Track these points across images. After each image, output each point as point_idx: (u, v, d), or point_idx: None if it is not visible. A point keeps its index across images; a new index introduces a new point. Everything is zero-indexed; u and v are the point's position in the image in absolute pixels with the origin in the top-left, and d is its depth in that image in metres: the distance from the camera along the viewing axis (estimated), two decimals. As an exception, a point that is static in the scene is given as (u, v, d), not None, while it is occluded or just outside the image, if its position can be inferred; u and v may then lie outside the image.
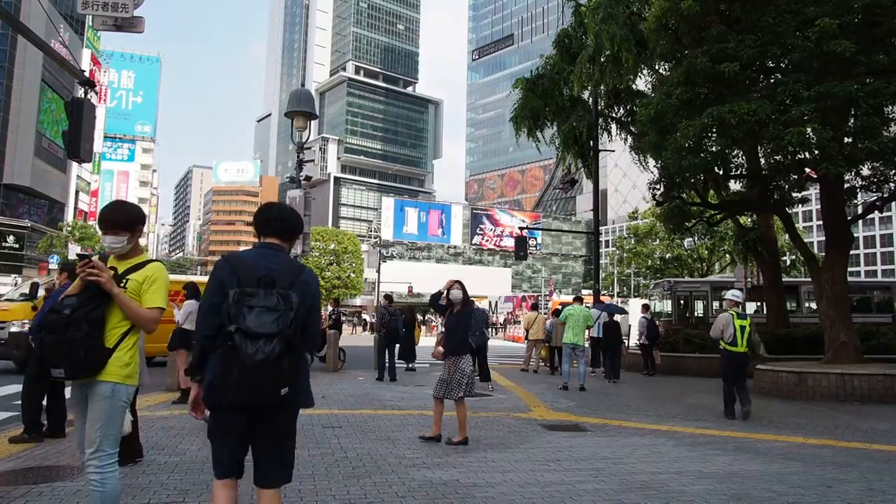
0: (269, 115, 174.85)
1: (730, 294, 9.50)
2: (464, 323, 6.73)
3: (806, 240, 19.08)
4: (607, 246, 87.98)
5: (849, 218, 13.70)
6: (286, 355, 2.64)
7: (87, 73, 12.67)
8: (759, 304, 20.58)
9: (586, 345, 13.22)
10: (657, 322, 17.21)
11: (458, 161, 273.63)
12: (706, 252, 39.03)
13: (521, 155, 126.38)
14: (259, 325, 2.61)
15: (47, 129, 64.64)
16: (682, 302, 23.50)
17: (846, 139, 11.18)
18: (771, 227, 18.49)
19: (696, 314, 22.40)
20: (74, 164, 68.31)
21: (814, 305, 19.08)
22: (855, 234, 16.01)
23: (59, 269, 6.69)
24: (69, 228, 61.81)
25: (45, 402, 6.24)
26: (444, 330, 6.93)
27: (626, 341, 16.90)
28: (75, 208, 72.90)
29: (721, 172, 14.16)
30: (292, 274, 2.85)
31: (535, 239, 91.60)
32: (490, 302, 56.45)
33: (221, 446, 2.80)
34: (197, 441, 6.11)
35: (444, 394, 6.51)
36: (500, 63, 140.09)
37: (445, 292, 6.81)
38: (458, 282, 6.87)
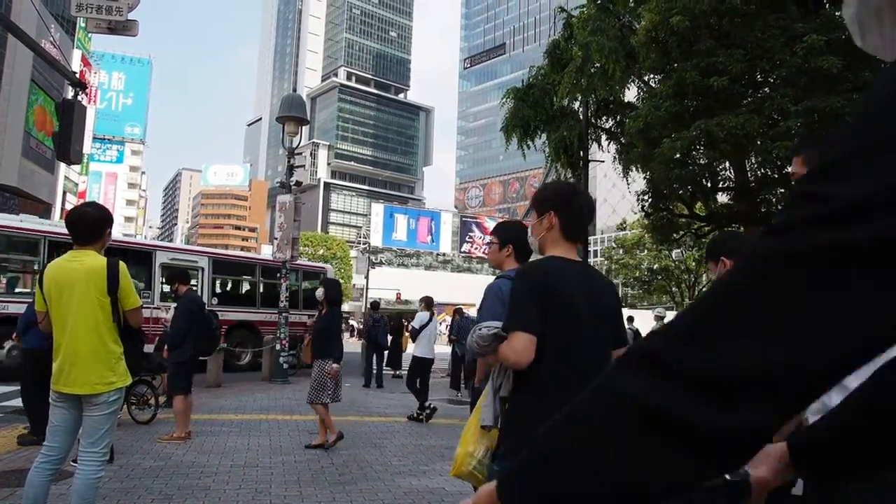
0: (260, 119, 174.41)
1: (656, 311, 13.65)
2: (333, 324, 6.41)
3: (792, 253, 19.19)
4: (595, 256, 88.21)
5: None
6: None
7: (77, 74, 12.60)
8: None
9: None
10: None
11: (448, 168, 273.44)
12: (693, 263, 39.36)
13: (511, 164, 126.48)
14: (216, 324, 7.09)
15: (33, 129, 64.15)
16: None
17: (832, 154, 11.32)
18: (758, 240, 18.64)
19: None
20: (62, 165, 67.80)
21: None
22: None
23: None
24: (55, 229, 61.25)
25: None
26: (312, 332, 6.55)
27: None
28: (62, 209, 72.29)
29: (709, 185, 14.33)
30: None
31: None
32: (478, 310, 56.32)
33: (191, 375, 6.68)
34: (182, 445, 6.08)
35: (315, 398, 6.23)
36: (492, 72, 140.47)
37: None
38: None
